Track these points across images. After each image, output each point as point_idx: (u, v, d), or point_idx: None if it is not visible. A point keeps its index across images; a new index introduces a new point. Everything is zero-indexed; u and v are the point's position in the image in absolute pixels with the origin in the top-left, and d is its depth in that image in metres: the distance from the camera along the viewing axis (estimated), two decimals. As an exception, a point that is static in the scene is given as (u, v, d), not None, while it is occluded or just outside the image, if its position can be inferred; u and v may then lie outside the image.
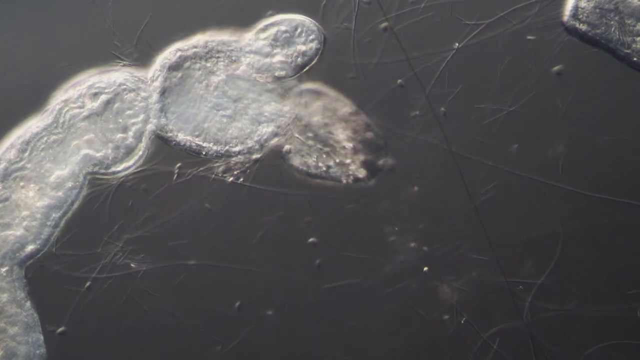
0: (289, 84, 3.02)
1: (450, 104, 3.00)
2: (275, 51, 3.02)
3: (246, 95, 3.00)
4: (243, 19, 3.07)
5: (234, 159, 2.99)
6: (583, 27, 2.99)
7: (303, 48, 3.02)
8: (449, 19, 3.02)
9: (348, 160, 2.98)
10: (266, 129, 2.99)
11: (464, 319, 2.95)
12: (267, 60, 3.01)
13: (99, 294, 2.99)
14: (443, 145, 2.99)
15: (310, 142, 2.98)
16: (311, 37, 3.02)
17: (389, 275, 2.98)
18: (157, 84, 3.01)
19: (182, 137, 3.00)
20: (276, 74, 3.01)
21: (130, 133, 3.00)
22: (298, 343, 2.99)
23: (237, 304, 2.98)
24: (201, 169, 3.01)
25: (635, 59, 2.97)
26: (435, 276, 2.98)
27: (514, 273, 2.96)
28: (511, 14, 3.00)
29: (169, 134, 2.99)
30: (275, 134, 2.99)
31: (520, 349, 2.95)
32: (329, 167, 2.99)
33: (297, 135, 2.98)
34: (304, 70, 3.02)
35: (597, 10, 2.98)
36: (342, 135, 2.98)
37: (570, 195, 2.97)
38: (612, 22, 2.98)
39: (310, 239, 2.99)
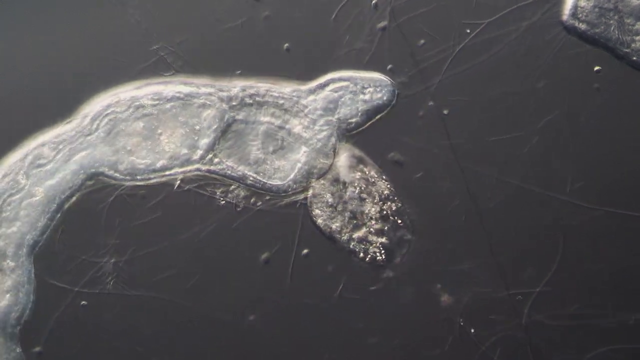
0: (337, 143, 3.00)
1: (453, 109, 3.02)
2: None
3: (295, 144, 3.00)
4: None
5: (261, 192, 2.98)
6: (582, 26, 2.99)
7: (368, 97, 3.00)
8: (450, 20, 3.03)
9: (372, 239, 2.97)
10: (304, 174, 2.98)
11: (461, 320, 2.94)
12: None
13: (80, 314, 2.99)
14: (449, 154, 3.00)
15: (340, 207, 2.98)
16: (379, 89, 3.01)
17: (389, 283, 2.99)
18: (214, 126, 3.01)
19: (230, 163, 3.00)
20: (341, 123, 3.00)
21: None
22: (297, 344, 2.99)
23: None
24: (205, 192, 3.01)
25: (634, 58, 2.97)
26: (435, 284, 2.97)
27: (514, 280, 2.95)
28: (511, 14, 3.01)
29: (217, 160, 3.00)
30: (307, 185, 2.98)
31: (520, 355, 2.93)
32: (351, 239, 2.97)
33: (328, 196, 2.97)
34: (376, 118, 3.00)
35: (597, 10, 2.99)
36: (373, 212, 2.97)
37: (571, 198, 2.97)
38: (611, 21, 2.98)
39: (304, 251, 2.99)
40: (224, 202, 2.98)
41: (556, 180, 2.97)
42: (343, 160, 2.98)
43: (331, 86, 3.01)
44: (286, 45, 3.03)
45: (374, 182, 2.97)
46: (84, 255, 2.99)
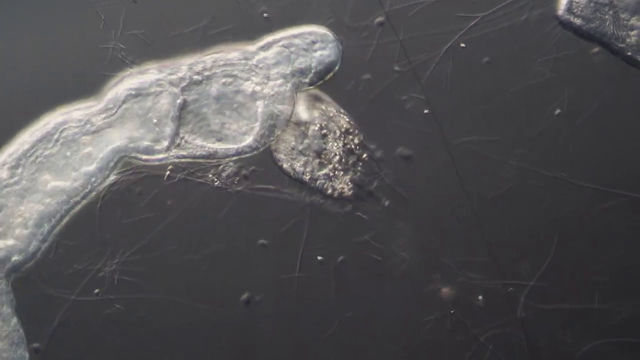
0: (293, 90, 3.03)
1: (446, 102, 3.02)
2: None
3: (252, 101, 3.03)
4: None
5: (229, 160, 3.01)
6: (577, 21, 2.99)
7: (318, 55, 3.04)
8: (443, 13, 3.04)
9: (337, 175, 2.99)
10: (265, 125, 3.01)
11: (452, 312, 2.97)
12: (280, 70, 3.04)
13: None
14: (441, 139, 3.01)
15: (302, 147, 3.00)
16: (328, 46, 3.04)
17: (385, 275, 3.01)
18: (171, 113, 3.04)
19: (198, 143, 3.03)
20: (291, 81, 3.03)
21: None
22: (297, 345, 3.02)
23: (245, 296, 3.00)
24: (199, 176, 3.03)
25: (629, 53, 2.97)
26: (432, 276, 2.99)
27: (509, 273, 2.96)
28: (505, 8, 3.01)
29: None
30: (273, 132, 3.00)
31: (515, 348, 2.95)
32: (316, 177, 3.00)
33: (290, 138, 2.99)
34: (324, 80, 3.04)
35: (592, 4, 2.99)
36: (336, 149, 2.99)
37: (568, 190, 2.98)
38: (606, 17, 2.98)
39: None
40: (217, 182, 3.00)
41: (554, 170, 2.99)
42: (301, 101, 3.00)
43: (281, 42, 3.03)
44: (265, 14, 3.05)
45: (333, 117, 2.99)
46: (81, 265, 3.01)
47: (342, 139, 2.99)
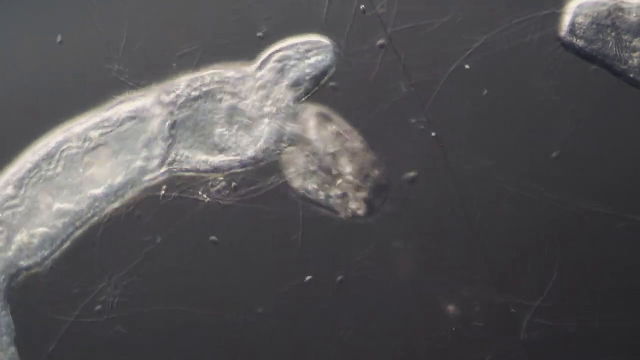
0: (300, 106, 3.02)
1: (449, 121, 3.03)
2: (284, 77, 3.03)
3: (255, 117, 3.02)
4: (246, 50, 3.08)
5: (233, 170, 3.00)
6: (580, 42, 2.99)
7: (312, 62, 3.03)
8: (446, 35, 3.03)
9: (349, 194, 2.99)
10: (272, 143, 3.00)
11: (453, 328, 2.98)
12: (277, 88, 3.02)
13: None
14: (442, 159, 3.01)
15: (314, 168, 2.99)
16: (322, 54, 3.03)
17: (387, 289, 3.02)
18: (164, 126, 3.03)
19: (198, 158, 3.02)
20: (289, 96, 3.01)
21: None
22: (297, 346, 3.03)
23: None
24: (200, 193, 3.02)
25: (631, 74, 2.97)
26: (435, 294, 3.01)
27: (511, 292, 2.98)
28: (508, 30, 3.01)
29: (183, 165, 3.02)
30: (280, 150, 3.00)
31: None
32: (328, 196, 3.00)
33: (301, 158, 2.99)
34: (320, 85, 3.03)
35: (594, 26, 2.98)
36: (348, 168, 2.99)
37: (567, 209, 2.99)
38: (608, 38, 2.98)
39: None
40: (207, 199, 3.00)
41: (552, 188, 3.00)
42: (310, 120, 3.00)
43: (275, 57, 3.03)
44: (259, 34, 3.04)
45: (344, 137, 3.00)
46: (79, 287, 3.02)
47: (353, 158, 3.00)
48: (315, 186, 2.99)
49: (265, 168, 3.02)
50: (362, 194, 2.99)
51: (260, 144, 2.98)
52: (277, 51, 3.03)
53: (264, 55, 3.04)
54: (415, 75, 3.01)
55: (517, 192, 2.99)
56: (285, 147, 2.99)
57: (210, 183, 3.00)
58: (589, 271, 2.98)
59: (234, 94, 3.01)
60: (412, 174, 3.00)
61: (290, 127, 2.99)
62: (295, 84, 3.02)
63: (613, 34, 2.98)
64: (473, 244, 2.99)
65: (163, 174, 3.00)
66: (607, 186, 3.00)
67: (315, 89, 3.03)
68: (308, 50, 3.03)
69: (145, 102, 3.03)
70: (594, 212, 2.98)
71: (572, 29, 2.99)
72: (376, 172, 3.00)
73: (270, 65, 3.02)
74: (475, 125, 3.02)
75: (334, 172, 2.99)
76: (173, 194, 3.01)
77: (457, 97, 3.01)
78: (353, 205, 2.99)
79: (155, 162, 3.00)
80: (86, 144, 3.01)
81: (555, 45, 3.00)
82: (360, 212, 2.99)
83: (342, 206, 2.99)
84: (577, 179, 3.00)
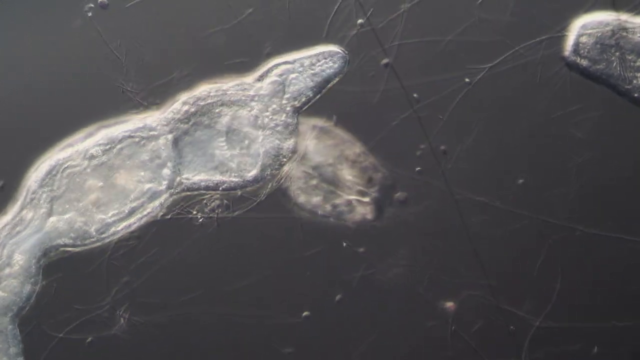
0: (297, 120, 3.01)
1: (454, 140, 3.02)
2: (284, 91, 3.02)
3: (253, 133, 3.00)
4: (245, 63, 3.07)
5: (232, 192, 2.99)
6: (584, 62, 2.99)
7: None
8: (452, 57, 3.03)
9: (354, 200, 2.98)
10: (270, 159, 2.98)
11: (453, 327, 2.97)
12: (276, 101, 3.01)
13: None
14: (444, 187, 3.00)
15: (315, 181, 2.98)
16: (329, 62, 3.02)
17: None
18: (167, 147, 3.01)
19: (200, 177, 3.00)
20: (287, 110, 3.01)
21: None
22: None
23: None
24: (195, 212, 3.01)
25: (636, 94, 2.97)
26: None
27: (512, 313, 2.97)
28: (512, 53, 3.01)
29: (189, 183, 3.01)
30: (278, 164, 2.98)
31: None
32: (335, 206, 2.99)
33: (303, 173, 2.98)
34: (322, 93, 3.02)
35: (598, 46, 2.98)
36: (349, 175, 2.98)
37: (569, 230, 2.99)
38: (613, 58, 2.98)
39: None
40: (201, 219, 2.98)
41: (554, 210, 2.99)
42: (308, 133, 2.99)
43: (275, 70, 3.02)
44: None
45: (343, 147, 2.99)
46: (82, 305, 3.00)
47: (353, 165, 2.99)
48: (319, 199, 2.98)
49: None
50: (368, 198, 2.98)
51: (259, 162, 2.96)
52: (277, 64, 3.02)
53: (264, 68, 3.03)
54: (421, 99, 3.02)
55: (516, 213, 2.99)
56: (284, 162, 2.98)
57: (204, 202, 2.98)
58: (591, 287, 2.98)
59: (232, 109, 3.00)
60: (401, 194, 3.00)
61: (288, 142, 2.97)
62: (294, 97, 3.01)
63: (617, 53, 2.98)
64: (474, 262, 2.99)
65: (170, 196, 2.99)
66: (611, 204, 2.99)
67: (313, 101, 3.02)
68: (312, 63, 3.02)
69: (147, 123, 3.02)
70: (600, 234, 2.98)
71: (577, 49, 2.98)
72: (379, 174, 2.99)
73: (270, 78, 3.01)
74: (481, 149, 3.02)
75: (337, 181, 2.98)
76: (170, 214, 2.99)
77: (463, 120, 3.01)
78: (361, 210, 2.98)
79: (164, 183, 2.98)
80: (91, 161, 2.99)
81: (559, 65, 3.00)
82: (369, 216, 2.98)
83: (349, 214, 2.98)
84: (578, 198, 3.00)
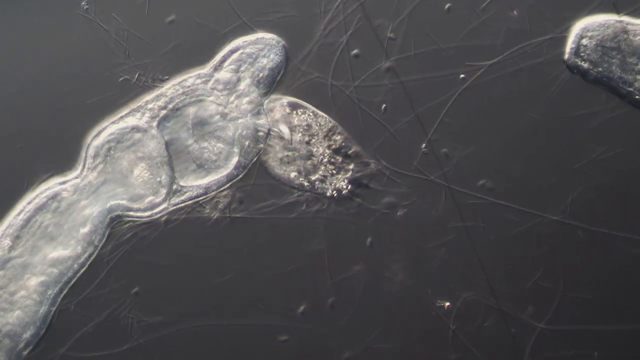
0: (266, 101, 3.02)
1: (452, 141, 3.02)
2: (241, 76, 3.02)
3: (220, 121, 3.00)
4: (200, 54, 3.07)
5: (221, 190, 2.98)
6: (585, 64, 2.99)
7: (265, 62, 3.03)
8: (449, 57, 3.02)
9: (331, 175, 2.98)
10: (247, 144, 2.99)
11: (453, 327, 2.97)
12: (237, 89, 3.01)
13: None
14: (443, 184, 3.00)
15: (290, 157, 2.98)
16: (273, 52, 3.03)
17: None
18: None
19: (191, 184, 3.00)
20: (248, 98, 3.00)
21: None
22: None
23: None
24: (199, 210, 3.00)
25: (637, 96, 2.97)
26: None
27: (514, 317, 2.97)
28: (512, 54, 3.00)
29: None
30: (259, 149, 2.99)
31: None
32: (311, 182, 2.98)
33: (277, 150, 2.98)
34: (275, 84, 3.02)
35: (599, 48, 2.98)
36: (322, 149, 2.98)
37: (570, 234, 2.99)
38: (613, 60, 2.98)
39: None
40: (215, 215, 2.98)
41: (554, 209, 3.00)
42: (277, 113, 3.00)
43: (229, 59, 3.04)
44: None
45: (311, 122, 3.00)
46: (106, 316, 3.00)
47: (326, 139, 2.99)
48: (296, 174, 2.98)
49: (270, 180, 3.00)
50: (344, 174, 2.98)
51: (236, 148, 2.96)
52: (231, 51, 3.04)
53: (218, 57, 3.04)
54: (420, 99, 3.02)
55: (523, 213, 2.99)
56: (262, 144, 2.97)
57: (215, 199, 2.98)
58: (593, 292, 2.98)
59: (198, 103, 3.00)
60: (389, 199, 3.00)
61: (260, 123, 2.97)
62: (256, 79, 3.02)
63: (618, 56, 2.98)
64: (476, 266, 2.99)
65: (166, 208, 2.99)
66: (612, 204, 3.00)
67: (274, 86, 3.03)
68: (261, 49, 3.04)
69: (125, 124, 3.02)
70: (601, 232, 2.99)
71: (577, 51, 2.98)
72: (353, 148, 2.98)
73: (226, 65, 3.03)
74: (480, 152, 3.02)
75: (312, 157, 2.98)
76: (178, 216, 2.98)
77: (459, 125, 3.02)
78: (337, 185, 2.97)
79: (163, 191, 2.98)
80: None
81: (560, 67, 3.00)
82: (345, 191, 2.98)
83: (326, 188, 2.97)
84: (581, 199, 3.00)
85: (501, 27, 3.01)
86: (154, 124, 2.99)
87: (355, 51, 3.03)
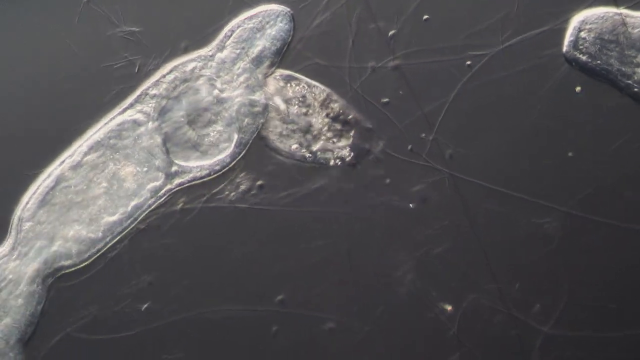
0: (259, 74, 3.01)
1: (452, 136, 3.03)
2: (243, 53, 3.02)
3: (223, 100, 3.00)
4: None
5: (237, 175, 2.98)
6: (583, 57, 2.99)
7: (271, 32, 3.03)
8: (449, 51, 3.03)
9: (331, 145, 2.98)
10: (247, 120, 3.00)
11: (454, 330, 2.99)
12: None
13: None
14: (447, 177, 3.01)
15: (290, 129, 2.98)
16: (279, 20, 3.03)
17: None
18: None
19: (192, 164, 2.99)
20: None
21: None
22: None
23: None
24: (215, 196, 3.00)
25: (635, 89, 2.98)
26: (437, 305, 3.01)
27: (522, 316, 2.99)
28: (512, 46, 3.01)
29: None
30: (259, 124, 2.99)
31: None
32: (312, 152, 2.98)
33: (277, 124, 2.98)
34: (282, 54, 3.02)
35: (598, 41, 2.99)
36: (320, 119, 2.98)
37: (575, 231, 3.00)
38: (612, 53, 2.99)
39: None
40: (234, 196, 2.99)
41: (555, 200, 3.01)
42: (271, 87, 3.00)
43: (232, 37, 3.03)
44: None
45: (307, 93, 3.00)
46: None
47: (323, 108, 2.99)
48: (297, 146, 2.98)
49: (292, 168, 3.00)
50: (346, 141, 2.99)
51: (236, 125, 2.96)
52: (232, 29, 3.03)
53: (220, 36, 3.03)
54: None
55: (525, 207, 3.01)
56: (262, 119, 2.98)
57: (236, 183, 2.98)
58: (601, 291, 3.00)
59: (195, 83, 3.00)
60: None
61: (256, 98, 2.97)
62: (258, 58, 3.02)
63: (617, 49, 2.98)
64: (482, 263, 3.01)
65: (169, 189, 2.98)
66: (611, 196, 3.01)
67: (279, 59, 3.03)
68: (265, 22, 3.03)
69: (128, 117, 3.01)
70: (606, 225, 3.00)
71: (576, 44, 2.99)
72: (351, 115, 2.99)
73: (228, 44, 3.02)
74: (480, 146, 3.02)
75: (311, 127, 2.99)
76: (189, 205, 2.98)
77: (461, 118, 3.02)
78: (340, 153, 2.98)
79: (161, 175, 2.97)
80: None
81: (559, 60, 3.00)
82: (348, 158, 2.98)
83: (329, 158, 2.98)
84: (579, 191, 3.01)
85: (500, 17, 3.02)
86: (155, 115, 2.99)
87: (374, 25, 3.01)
